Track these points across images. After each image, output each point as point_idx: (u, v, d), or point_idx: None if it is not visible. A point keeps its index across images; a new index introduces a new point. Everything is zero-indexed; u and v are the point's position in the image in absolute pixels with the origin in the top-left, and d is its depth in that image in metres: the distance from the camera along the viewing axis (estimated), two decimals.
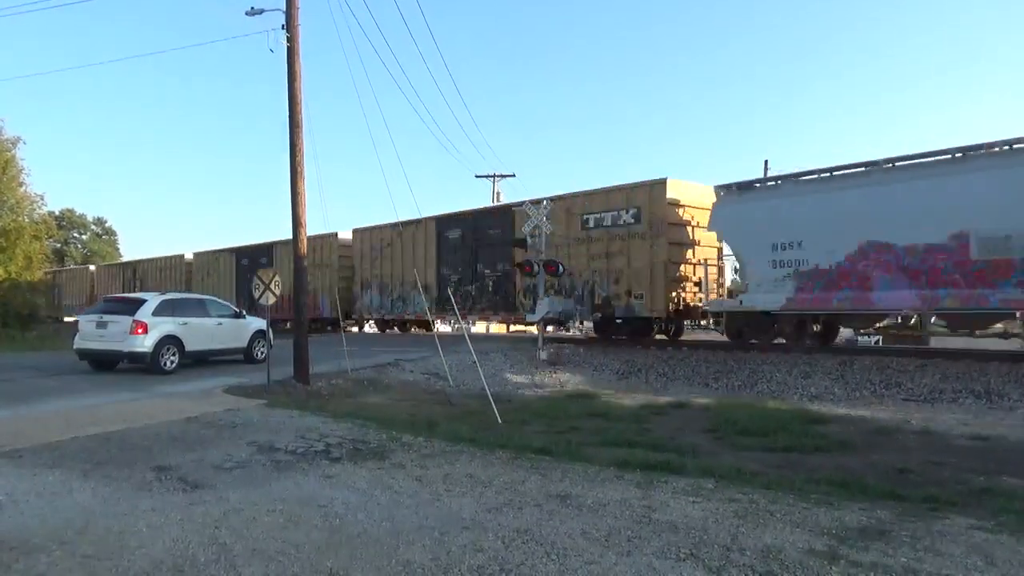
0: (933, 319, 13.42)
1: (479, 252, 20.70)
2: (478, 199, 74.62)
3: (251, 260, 28.89)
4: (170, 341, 13.39)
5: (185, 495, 5.24)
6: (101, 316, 13.76)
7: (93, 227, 69.72)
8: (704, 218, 15.98)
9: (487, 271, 20.49)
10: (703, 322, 17.18)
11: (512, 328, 24.98)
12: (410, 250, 22.76)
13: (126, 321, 13.12)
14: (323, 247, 25.88)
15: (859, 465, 6.65)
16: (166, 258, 36.16)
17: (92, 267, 43.17)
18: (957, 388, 11.08)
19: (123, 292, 32.11)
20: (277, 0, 12.26)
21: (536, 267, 16.07)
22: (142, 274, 36.90)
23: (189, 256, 34.33)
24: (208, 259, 32.84)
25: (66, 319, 36.36)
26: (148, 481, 5.65)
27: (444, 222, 21.97)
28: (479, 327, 25.56)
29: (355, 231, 25.67)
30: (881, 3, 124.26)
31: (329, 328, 25.81)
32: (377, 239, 24.49)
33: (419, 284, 20.12)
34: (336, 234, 26.01)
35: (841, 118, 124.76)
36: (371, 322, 27.15)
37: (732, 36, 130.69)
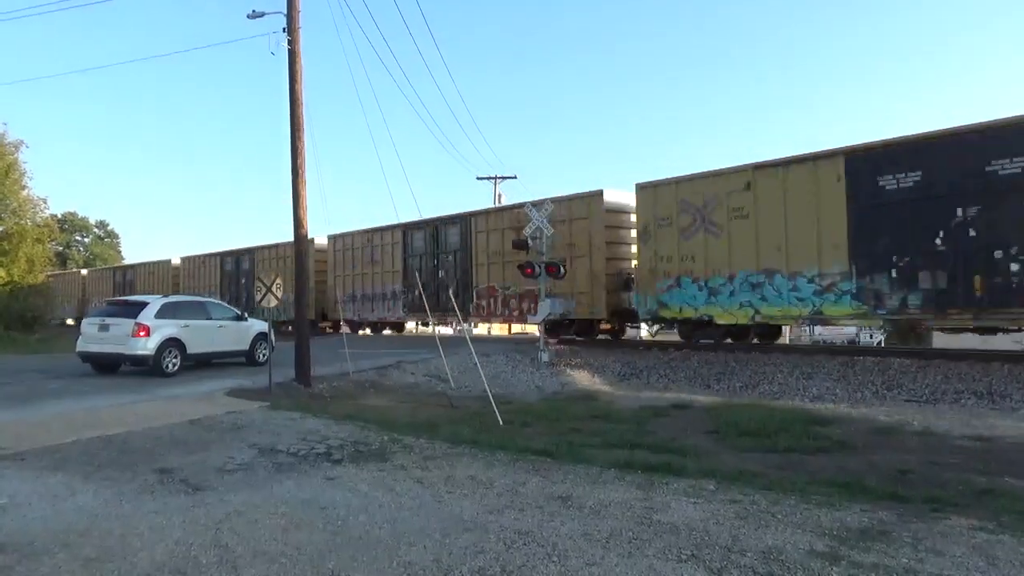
0: None
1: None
2: (479, 200, 74.74)
3: None
4: (172, 344, 13.40)
5: (187, 497, 5.25)
6: (103, 319, 13.77)
7: (96, 230, 69.85)
8: None
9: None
10: None
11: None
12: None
13: (128, 324, 13.12)
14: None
15: (860, 466, 6.64)
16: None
17: (322, 240, 28.75)
18: (959, 389, 11.06)
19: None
20: (278, 3, 12.32)
21: (537, 269, 16.09)
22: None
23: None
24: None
25: None
26: (150, 484, 5.66)
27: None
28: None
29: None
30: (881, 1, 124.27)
31: (330, 329, 26.15)
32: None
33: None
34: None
35: (847, 120, 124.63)
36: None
37: (732, 37, 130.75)
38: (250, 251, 30.43)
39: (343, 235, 26.41)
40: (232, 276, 31.53)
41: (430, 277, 21.57)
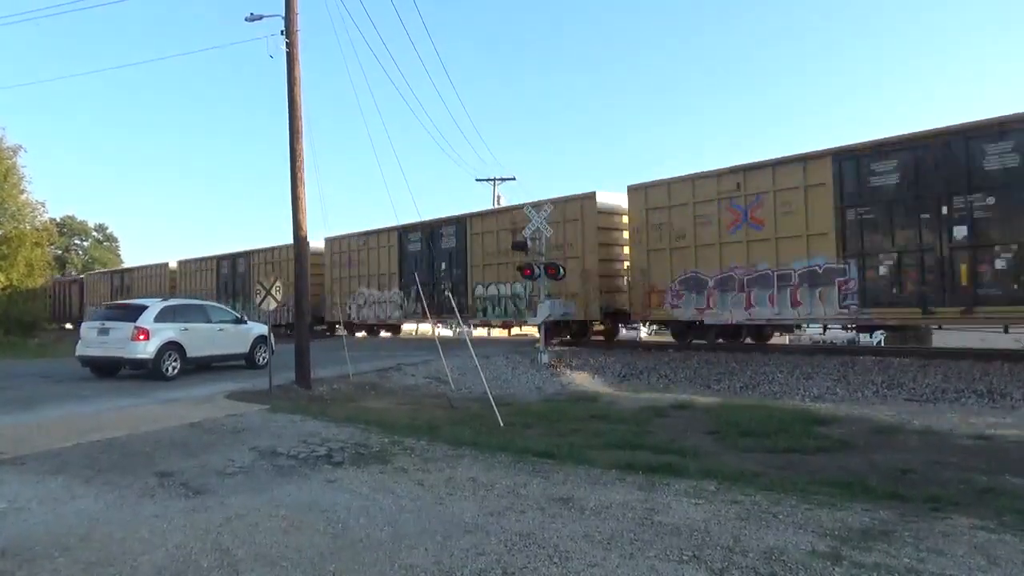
0: None
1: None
2: (477, 202, 74.76)
3: None
4: (172, 347, 13.37)
5: (187, 501, 5.24)
6: (103, 323, 13.74)
7: (95, 234, 69.84)
8: None
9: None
10: None
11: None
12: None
13: (128, 327, 13.11)
14: None
15: (861, 466, 6.65)
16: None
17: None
18: (959, 388, 11.07)
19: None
20: (277, 6, 12.33)
21: (537, 270, 16.09)
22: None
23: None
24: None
25: None
26: (150, 487, 5.64)
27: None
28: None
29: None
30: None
31: (328, 333, 26.07)
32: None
33: None
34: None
35: (838, 126, 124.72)
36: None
37: (730, 41, 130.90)
38: (457, 221, 21.46)
39: (652, 185, 16.13)
40: (420, 258, 22.15)
41: (900, 240, 12.25)
